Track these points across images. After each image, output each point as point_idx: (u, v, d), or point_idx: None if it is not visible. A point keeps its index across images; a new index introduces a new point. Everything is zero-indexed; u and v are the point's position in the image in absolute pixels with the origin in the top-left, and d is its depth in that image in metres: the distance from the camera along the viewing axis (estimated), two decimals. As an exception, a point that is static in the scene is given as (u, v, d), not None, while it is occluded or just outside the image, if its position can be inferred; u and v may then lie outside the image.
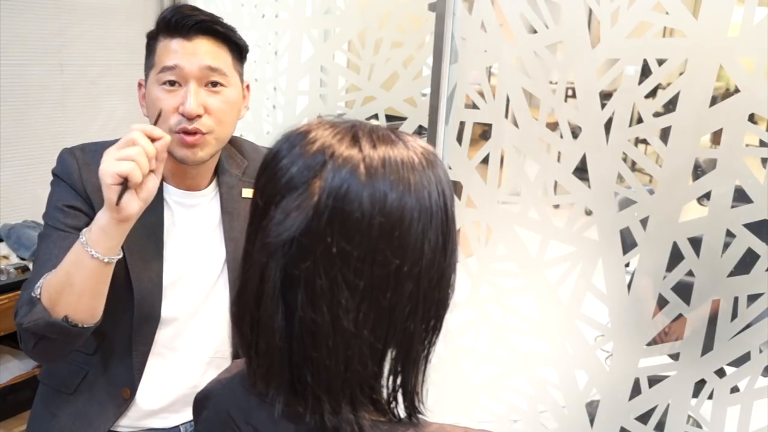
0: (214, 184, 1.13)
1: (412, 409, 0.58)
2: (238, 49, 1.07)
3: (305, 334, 0.54)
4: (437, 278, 0.55)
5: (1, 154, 1.93)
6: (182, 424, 1.14)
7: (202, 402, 0.69)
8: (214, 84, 1.02)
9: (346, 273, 0.52)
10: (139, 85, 1.07)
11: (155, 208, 1.05)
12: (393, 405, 0.58)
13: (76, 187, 1.03)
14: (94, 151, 1.05)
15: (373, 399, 0.57)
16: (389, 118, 1.73)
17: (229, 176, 1.13)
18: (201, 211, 1.11)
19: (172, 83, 1.00)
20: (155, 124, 0.95)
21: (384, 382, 0.57)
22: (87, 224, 0.95)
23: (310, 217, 0.52)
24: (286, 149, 0.56)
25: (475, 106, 1.51)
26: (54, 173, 1.06)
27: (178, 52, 0.99)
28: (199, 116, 1.00)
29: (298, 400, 0.56)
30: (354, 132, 0.55)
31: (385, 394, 0.58)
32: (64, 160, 1.05)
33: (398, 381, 0.57)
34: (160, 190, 1.06)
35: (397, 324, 0.54)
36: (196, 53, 1.00)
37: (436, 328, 0.58)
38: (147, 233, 1.05)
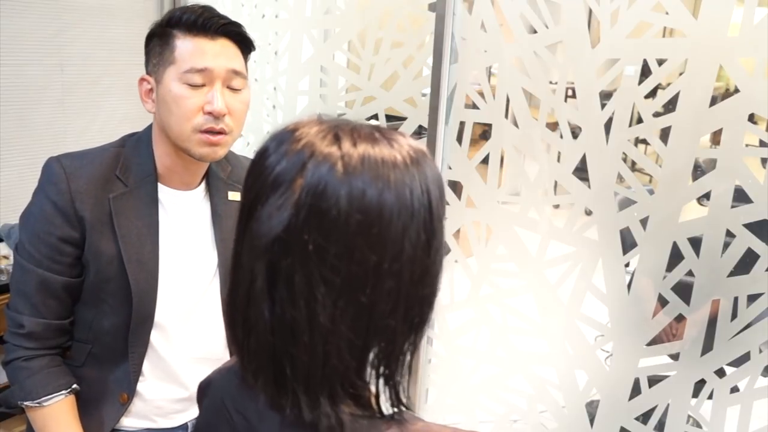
0: (204, 184, 1.14)
1: (397, 403, 0.58)
2: (248, 50, 1.08)
3: (284, 329, 0.55)
4: (420, 275, 0.55)
5: (1, 154, 1.93)
6: (190, 421, 1.15)
7: (204, 389, 0.72)
8: (234, 86, 1.04)
9: (323, 269, 0.53)
10: (143, 80, 1.06)
11: (150, 210, 1.06)
12: (376, 400, 0.58)
13: (62, 198, 1.02)
14: (82, 156, 1.06)
15: (354, 394, 0.57)
16: (389, 118, 1.73)
17: (217, 179, 1.15)
18: (194, 210, 1.12)
19: (196, 84, 1.00)
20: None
21: (367, 377, 0.57)
22: (60, 253, 1.01)
23: (291, 214, 0.53)
24: (273, 147, 0.57)
25: (475, 106, 1.51)
26: (40, 182, 1.05)
27: (206, 53, 1.00)
28: (223, 116, 1.01)
29: (280, 393, 0.57)
30: (336, 131, 0.56)
31: (367, 389, 0.58)
32: (51, 168, 1.03)
33: (381, 377, 0.57)
34: (155, 190, 1.07)
35: (377, 321, 0.54)
36: (221, 55, 1.01)
37: (421, 326, 0.58)
38: (143, 235, 1.05)
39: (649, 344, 1.34)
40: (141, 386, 1.09)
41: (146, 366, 1.09)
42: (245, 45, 1.06)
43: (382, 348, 0.56)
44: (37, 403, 1.02)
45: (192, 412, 1.14)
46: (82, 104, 2.09)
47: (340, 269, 0.53)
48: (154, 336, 1.08)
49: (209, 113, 1.00)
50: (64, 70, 2.03)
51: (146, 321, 1.06)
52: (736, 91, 1.15)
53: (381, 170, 0.53)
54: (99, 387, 1.09)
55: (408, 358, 0.58)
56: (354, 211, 0.52)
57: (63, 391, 1.04)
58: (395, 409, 0.59)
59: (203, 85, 1.00)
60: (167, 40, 1.02)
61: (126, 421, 1.10)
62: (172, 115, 1.00)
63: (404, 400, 0.59)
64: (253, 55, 2.06)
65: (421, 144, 0.59)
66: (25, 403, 1.03)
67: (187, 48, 1.00)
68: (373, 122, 1.73)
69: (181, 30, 1.01)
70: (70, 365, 1.09)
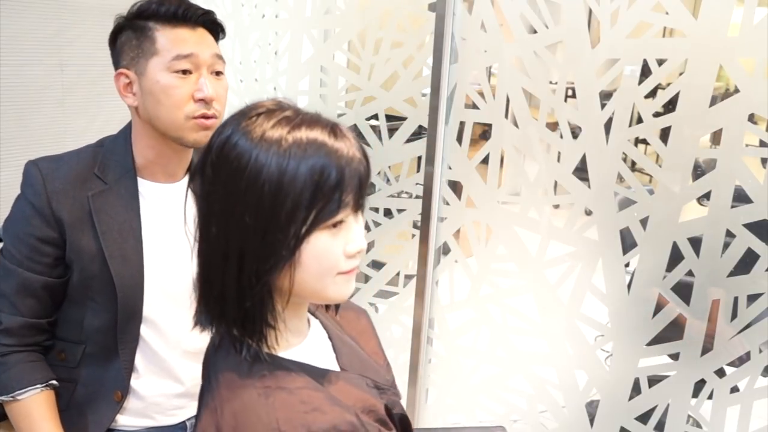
0: (187, 177, 1.14)
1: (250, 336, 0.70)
2: (218, 37, 1.11)
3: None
4: (253, 231, 0.64)
5: (1, 154, 1.93)
6: (188, 420, 1.14)
7: None
8: (218, 72, 1.06)
9: (200, 206, 0.69)
10: (120, 74, 1.05)
11: (131, 205, 1.07)
12: (238, 331, 0.71)
13: (39, 200, 1.03)
14: (59, 158, 1.08)
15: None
16: (389, 118, 1.73)
17: None
18: (177, 203, 1.11)
19: (184, 71, 1.02)
20: None
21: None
22: (40, 253, 1.02)
23: (203, 151, 0.69)
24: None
25: (475, 106, 1.51)
26: (21, 186, 1.07)
27: (189, 41, 1.02)
28: (213, 101, 1.04)
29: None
30: (280, 105, 0.70)
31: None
32: (29, 171, 1.07)
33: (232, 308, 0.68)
34: (135, 186, 1.07)
35: (216, 255, 0.68)
36: (203, 42, 1.04)
37: (247, 273, 0.66)
38: (125, 230, 1.06)
39: (649, 344, 1.34)
40: (135, 383, 1.09)
41: (140, 362, 1.09)
42: (218, 32, 1.10)
43: (223, 282, 0.67)
44: (11, 397, 1.03)
45: (191, 410, 1.14)
46: (82, 104, 2.08)
47: (202, 206, 0.68)
48: (145, 331, 1.08)
49: (201, 100, 1.02)
50: (64, 70, 2.03)
51: (134, 316, 1.06)
52: (736, 91, 1.15)
53: (249, 138, 0.64)
54: (95, 387, 1.09)
55: (237, 293, 0.67)
56: (214, 161, 0.66)
57: (38, 386, 1.04)
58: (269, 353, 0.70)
59: (190, 73, 1.02)
60: (144, 33, 1.03)
61: (124, 420, 1.10)
62: (162, 105, 1.01)
63: (253, 339, 0.70)
64: (252, 55, 2.06)
65: (319, 143, 0.65)
66: (1, 398, 1.04)
67: (169, 38, 1.02)
68: (372, 122, 1.73)
69: (159, 22, 1.02)
70: (66, 367, 1.09)
